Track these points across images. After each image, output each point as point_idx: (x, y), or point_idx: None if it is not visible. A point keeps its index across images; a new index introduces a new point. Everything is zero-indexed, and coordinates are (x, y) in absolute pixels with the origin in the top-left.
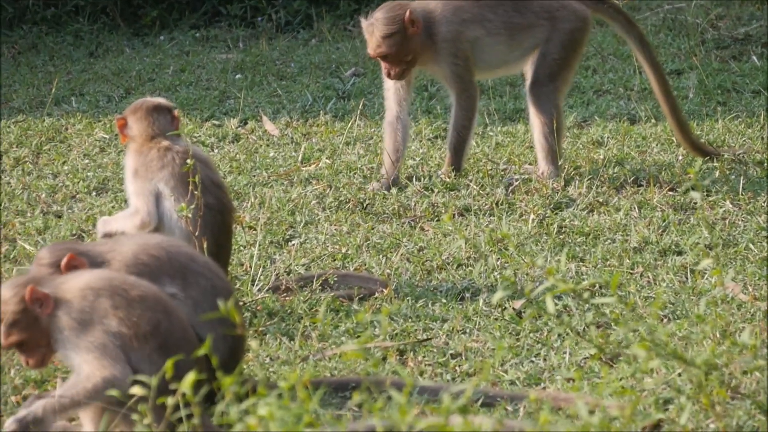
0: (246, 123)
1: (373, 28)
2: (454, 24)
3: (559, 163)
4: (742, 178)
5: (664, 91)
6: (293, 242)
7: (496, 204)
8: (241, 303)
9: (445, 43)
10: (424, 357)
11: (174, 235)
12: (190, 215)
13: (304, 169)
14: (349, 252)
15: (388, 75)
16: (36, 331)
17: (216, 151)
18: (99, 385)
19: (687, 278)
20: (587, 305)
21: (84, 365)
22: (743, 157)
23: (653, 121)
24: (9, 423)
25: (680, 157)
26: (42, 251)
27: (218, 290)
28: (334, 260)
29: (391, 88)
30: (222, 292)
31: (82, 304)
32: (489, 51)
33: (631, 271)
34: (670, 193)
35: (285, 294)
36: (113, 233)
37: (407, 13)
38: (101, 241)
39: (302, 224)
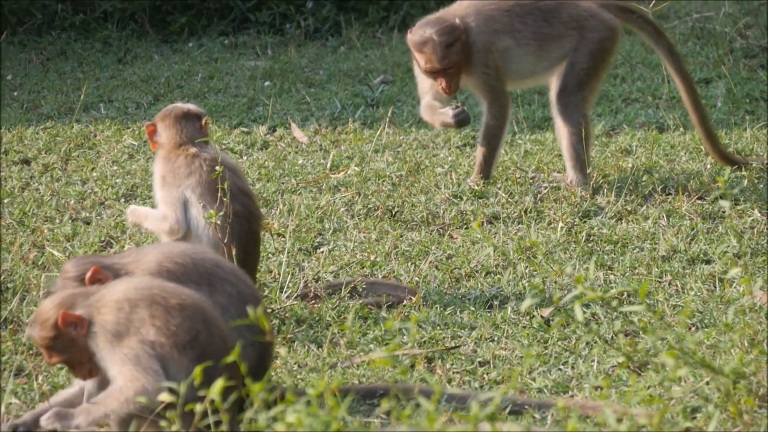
0: (275, 130)
1: (433, 42)
2: (485, 34)
3: (588, 172)
4: None
5: (692, 100)
6: (322, 249)
7: (525, 212)
8: (269, 310)
9: (477, 53)
10: (452, 365)
11: (201, 243)
12: (219, 222)
13: (332, 176)
14: (378, 259)
15: (449, 88)
16: (75, 350)
17: (245, 158)
18: (131, 397)
19: (715, 287)
20: (615, 313)
21: (119, 377)
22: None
23: (682, 129)
24: (45, 419)
25: (708, 166)
26: (67, 264)
27: (245, 297)
28: (363, 268)
29: (431, 95)
30: (249, 299)
31: (118, 316)
32: (518, 61)
33: (659, 280)
34: (699, 201)
35: (313, 301)
36: (140, 227)
37: (459, 23)
38: (125, 253)
39: (331, 231)
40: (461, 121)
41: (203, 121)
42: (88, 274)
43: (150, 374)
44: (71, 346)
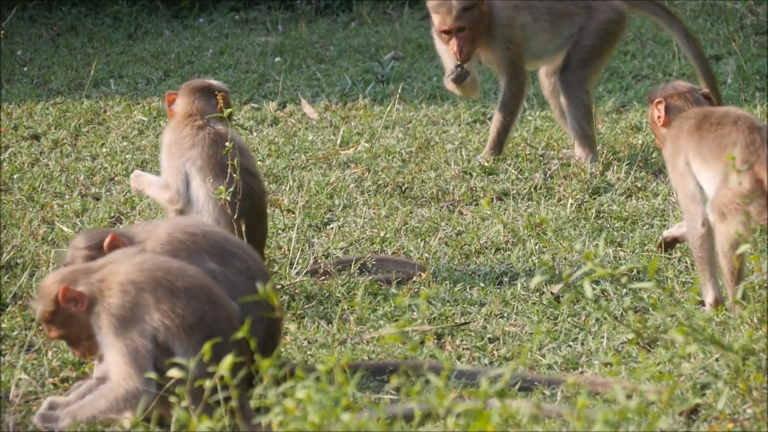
0: (285, 106)
1: (450, 2)
2: (508, 9)
3: (596, 148)
4: None
5: (710, 86)
6: (331, 226)
7: (535, 188)
8: (279, 286)
9: (500, 27)
10: (461, 341)
11: (203, 217)
12: (229, 198)
13: (342, 152)
14: (388, 236)
15: (460, 53)
16: (74, 326)
17: (255, 134)
18: (120, 397)
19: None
20: (625, 290)
21: (113, 367)
22: None
23: None
24: (36, 418)
25: None
26: (77, 238)
27: (253, 272)
28: (372, 244)
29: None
30: (257, 274)
31: (123, 300)
32: (533, 38)
33: (668, 257)
34: None
35: (323, 277)
36: (142, 194)
37: None
38: (136, 225)
39: (340, 208)
40: (455, 78)
41: (218, 97)
42: (107, 241)
43: (143, 373)
44: (71, 321)
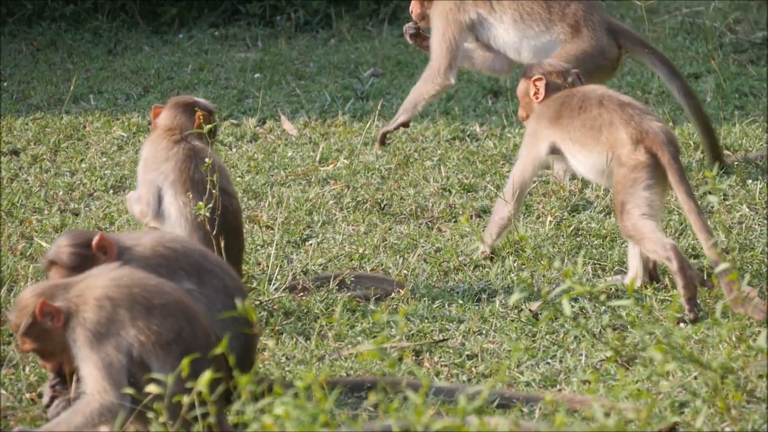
0: (264, 122)
1: None
2: None
3: None
4: (759, 182)
5: (710, 145)
6: (310, 242)
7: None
8: (257, 302)
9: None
10: (440, 358)
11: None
12: (208, 214)
13: (321, 168)
14: (366, 252)
15: (412, 12)
16: (49, 341)
17: (234, 150)
18: (95, 411)
19: (704, 281)
20: (604, 307)
21: (88, 380)
22: (759, 161)
23: (671, 124)
24: None
25: (696, 161)
26: (63, 237)
27: (231, 289)
28: (351, 260)
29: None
30: (235, 292)
31: (99, 315)
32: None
33: (648, 274)
34: None
35: (301, 293)
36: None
37: None
38: (122, 232)
39: (319, 224)
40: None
41: (197, 114)
42: (96, 240)
43: (118, 388)
44: (46, 336)
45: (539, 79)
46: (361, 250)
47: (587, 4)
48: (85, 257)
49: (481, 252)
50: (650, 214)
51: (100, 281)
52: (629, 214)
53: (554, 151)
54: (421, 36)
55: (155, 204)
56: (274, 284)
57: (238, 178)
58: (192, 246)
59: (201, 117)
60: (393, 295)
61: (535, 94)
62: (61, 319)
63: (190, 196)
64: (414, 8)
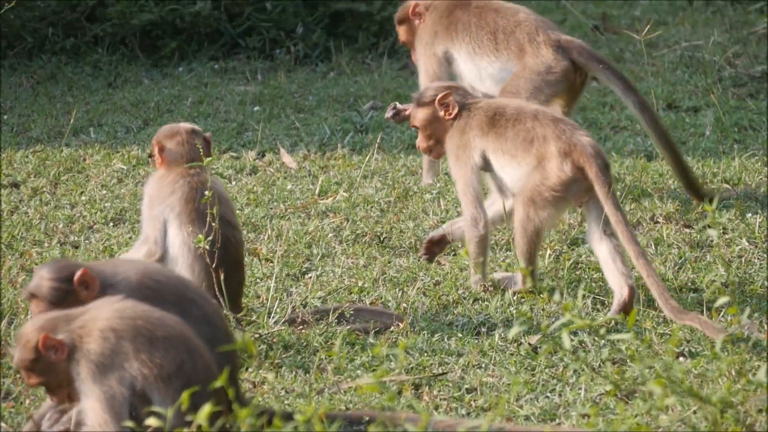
0: (264, 155)
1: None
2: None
3: None
4: (758, 216)
5: (673, 159)
6: (310, 275)
7: (513, 239)
8: (257, 335)
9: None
10: (439, 391)
11: (177, 264)
12: (208, 246)
13: (321, 201)
14: (366, 285)
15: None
16: (53, 374)
17: (233, 183)
18: None
19: (703, 316)
20: (603, 341)
21: (90, 413)
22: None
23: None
24: None
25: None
26: (44, 268)
27: (210, 317)
28: (351, 293)
29: None
30: (215, 318)
31: (103, 346)
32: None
33: (647, 308)
34: (686, 230)
35: (301, 327)
36: None
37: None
38: (105, 262)
39: (319, 257)
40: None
41: (208, 139)
42: (78, 275)
43: (119, 421)
44: (50, 369)
45: (446, 96)
46: (360, 283)
47: (534, 26)
48: (66, 292)
49: (474, 282)
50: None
51: (104, 313)
52: (531, 222)
53: (484, 162)
54: (401, 115)
55: (162, 241)
56: (273, 317)
57: (237, 211)
58: (173, 275)
59: (200, 146)
60: (392, 328)
61: (447, 112)
62: (64, 351)
63: (196, 227)
64: (400, 35)
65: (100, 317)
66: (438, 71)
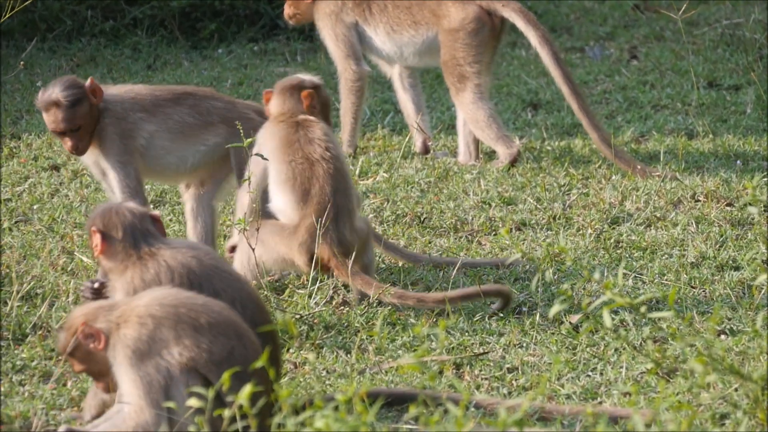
0: None
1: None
2: None
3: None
4: None
5: (572, 91)
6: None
7: (554, 218)
8: (298, 316)
9: None
10: (480, 371)
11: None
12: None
13: (361, 182)
14: (406, 266)
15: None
16: (94, 362)
17: None
18: (130, 430)
19: (744, 293)
20: (644, 320)
21: (126, 398)
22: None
23: (711, 136)
24: None
25: (738, 173)
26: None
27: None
28: (392, 274)
29: None
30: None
31: (140, 332)
32: None
33: (688, 286)
34: (728, 208)
35: (341, 307)
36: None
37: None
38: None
39: None
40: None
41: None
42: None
43: (155, 407)
44: (90, 357)
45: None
46: (401, 264)
47: None
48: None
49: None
50: None
51: (144, 300)
52: None
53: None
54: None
55: (263, 180)
56: (314, 298)
57: None
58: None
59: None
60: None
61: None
62: (102, 340)
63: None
64: (286, 10)
65: (140, 305)
66: (349, 35)
